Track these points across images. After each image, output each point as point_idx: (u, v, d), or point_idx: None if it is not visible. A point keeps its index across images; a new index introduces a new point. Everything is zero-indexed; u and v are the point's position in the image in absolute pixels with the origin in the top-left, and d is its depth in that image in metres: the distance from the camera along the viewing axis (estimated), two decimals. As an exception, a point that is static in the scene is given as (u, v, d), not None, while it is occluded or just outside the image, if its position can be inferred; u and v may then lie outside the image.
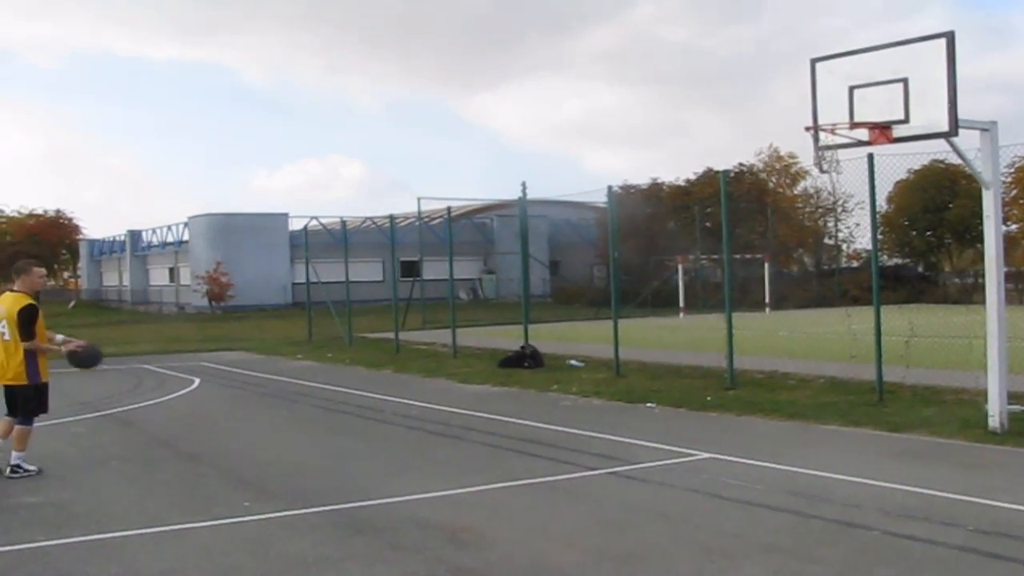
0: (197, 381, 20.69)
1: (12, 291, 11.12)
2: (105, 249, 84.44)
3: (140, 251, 75.97)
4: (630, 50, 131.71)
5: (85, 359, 11.97)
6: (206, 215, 62.18)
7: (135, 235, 76.28)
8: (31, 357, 10.84)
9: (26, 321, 10.75)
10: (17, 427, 10.84)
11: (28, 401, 10.90)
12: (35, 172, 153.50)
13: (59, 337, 11.56)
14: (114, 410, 16.06)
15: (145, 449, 12.65)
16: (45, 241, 65.37)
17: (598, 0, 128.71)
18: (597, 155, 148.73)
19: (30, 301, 10.93)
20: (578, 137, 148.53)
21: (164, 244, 70.99)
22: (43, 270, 11.58)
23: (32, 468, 10.77)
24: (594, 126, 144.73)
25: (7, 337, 10.80)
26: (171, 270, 70.06)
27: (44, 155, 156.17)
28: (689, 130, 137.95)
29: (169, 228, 69.82)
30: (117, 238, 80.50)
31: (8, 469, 10.63)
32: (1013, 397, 12.26)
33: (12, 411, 10.96)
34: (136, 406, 16.83)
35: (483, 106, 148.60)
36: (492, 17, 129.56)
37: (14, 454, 10.74)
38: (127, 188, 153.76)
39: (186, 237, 65.33)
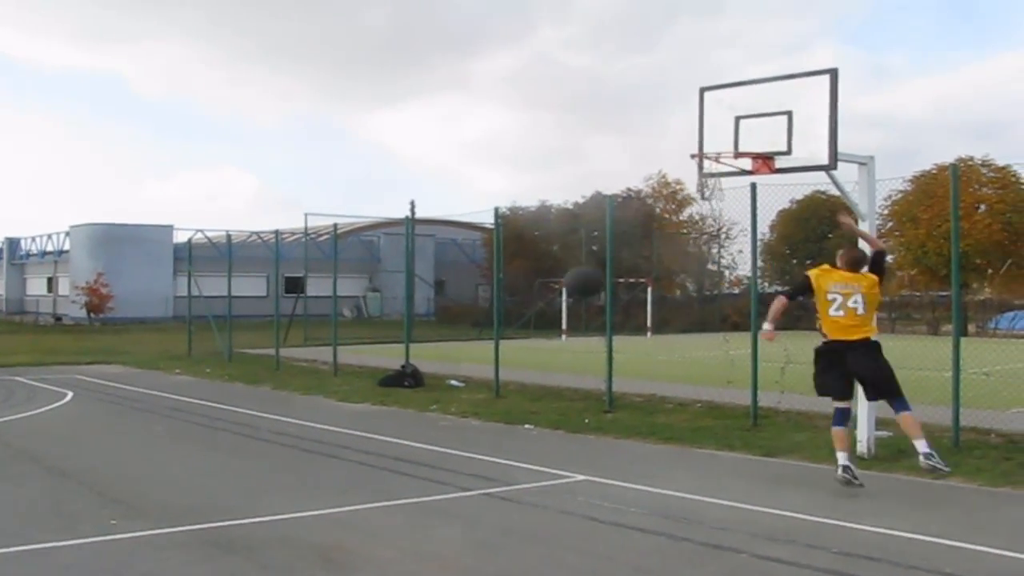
0: (70, 395, 20.19)
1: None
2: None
3: (18, 259, 74.12)
4: (531, 74, 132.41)
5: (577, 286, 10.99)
6: (88, 225, 60.86)
7: (13, 243, 74.44)
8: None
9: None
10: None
11: None
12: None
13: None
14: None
15: (9, 464, 12.29)
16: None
17: (501, 23, 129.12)
18: (491, 176, 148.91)
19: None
20: (473, 158, 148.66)
21: (43, 253, 69.38)
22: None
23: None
24: (490, 148, 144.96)
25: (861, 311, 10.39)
26: (50, 280, 68.49)
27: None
28: (584, 156, 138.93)
29: (49, 237, 68.30)
30: (-7, 245, 78.49)
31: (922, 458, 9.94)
32: (881, 423, 12.55)
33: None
34: (2, 420, 16.33)
35: (380, 124, 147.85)
36: (394, 36, 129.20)
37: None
38: (7, 195, 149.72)
39: (67, 246, 63.92)
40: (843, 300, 10.32)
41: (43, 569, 7.47)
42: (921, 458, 9.84)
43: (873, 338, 10.42)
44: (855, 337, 10.27)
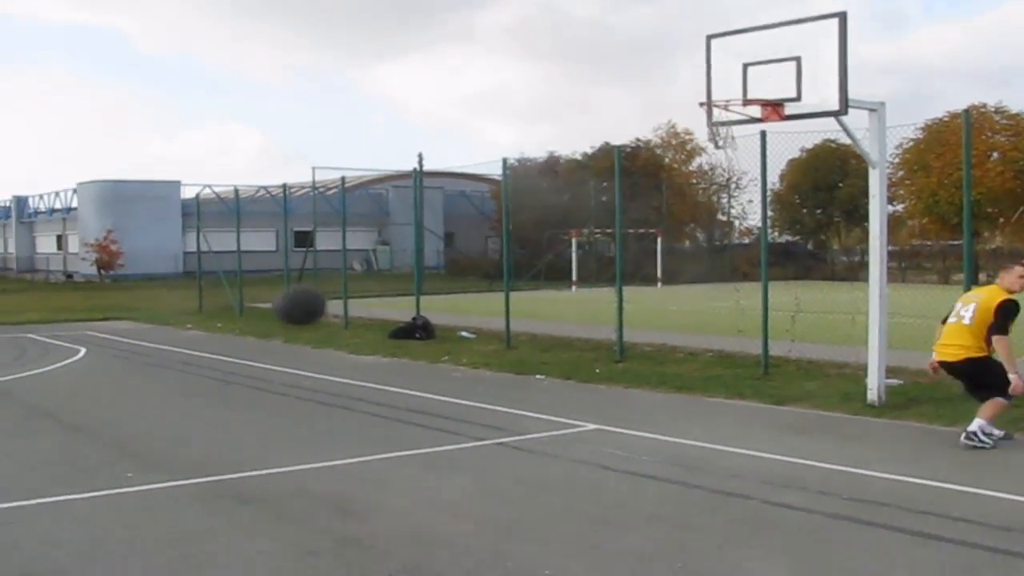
0: (83, 351, 20.29)
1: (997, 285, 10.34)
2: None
3: (26, 218, 74.19)
4: (537, 24, 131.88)
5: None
6: (95, 182, 60.81)
7: (21, 201, 74.48)
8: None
9: (1004, 315, 9.90)
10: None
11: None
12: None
13: None
14: (-5, 379, 15.70)
15: (25, 420, 12.39)
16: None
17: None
18: (499, 128, 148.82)
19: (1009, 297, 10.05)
20: (481, 110, 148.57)
21: (52, 211, 69.42)
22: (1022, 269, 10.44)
23: (987, 441, 9.71)
24: (498, 99, 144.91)
25: (967, 321, 10.02)
26: (59, 237, 68.61)
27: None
28: (593, 106, 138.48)
29: (57, 194, 68.28)
30: (2, 204, 78.52)
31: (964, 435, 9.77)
32: (891, 371, 12.57)
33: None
34: (17, 376, 16.45)
35: (386, 77, 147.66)
36: None
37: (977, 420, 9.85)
38: (13, 153, 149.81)
39: (75, 204, 63.93)
40: (960, 307, 10.15)
41: (61, 521, 7.53)
42: (962, 436, 9.71)
43: (971, 357, 9.93)
44: (946, 358, 10.11)
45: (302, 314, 11.08)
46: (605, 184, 48.50)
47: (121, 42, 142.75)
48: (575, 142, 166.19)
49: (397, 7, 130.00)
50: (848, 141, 12.67)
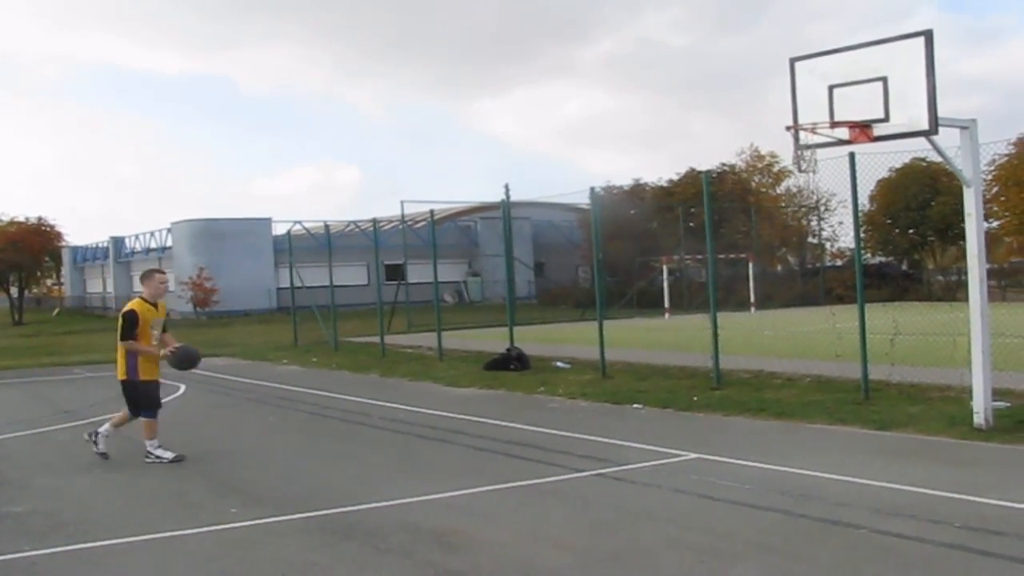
0: (183, 387, 20.58)
1: (140, 297, 12.15)
2: (88, 256, 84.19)
3: (123, 257, 75.74)
4: (632, 58, 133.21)
5: (181, 360, 12.50)
6: (188, 221, 61.93)
7: (118, 241, 76.04)
8: (131, 356, 12.05)
9: (124, 324, 11.96)
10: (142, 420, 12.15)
11: (130, 396, 12.25)
12: (31, 180, 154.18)
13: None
14: (99, 417, 15.91)
15: (130, 457, 12.56)
16: (26, 248, 64.77)
17: (608, 10, 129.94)
18: (590, 158, 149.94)
19: (131, 307, 12.09)
20: (574, 141, 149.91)
21: (147, 250, 70.79)
22: (164, 275, 12.59)
23: (167, 455, 11.96)
24: (590, 130, 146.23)
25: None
26: (155, 276, 69.80)
27: (42, 164, 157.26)
28: (683, 134, 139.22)
29: (152, 234, 69.64)
30: (100, 244, 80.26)
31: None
32: (998, 393, 12.29)
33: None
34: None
35: (486, 112, 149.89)
36: (502, 28, 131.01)
37: (145, 442, 12.07)
38: (121, 196, 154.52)
39: (169, 243, 65.14)
40: None
41: (171, 557, 7.65)
42: None
43: None
44: None
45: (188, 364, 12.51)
46: (693, 209, 48.26)
47: (227, 89, 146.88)
48: (662, 170, 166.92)
49: (500, 46, 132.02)
50: (939, 159, 12.46)
